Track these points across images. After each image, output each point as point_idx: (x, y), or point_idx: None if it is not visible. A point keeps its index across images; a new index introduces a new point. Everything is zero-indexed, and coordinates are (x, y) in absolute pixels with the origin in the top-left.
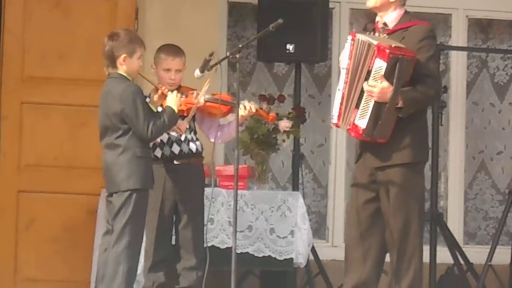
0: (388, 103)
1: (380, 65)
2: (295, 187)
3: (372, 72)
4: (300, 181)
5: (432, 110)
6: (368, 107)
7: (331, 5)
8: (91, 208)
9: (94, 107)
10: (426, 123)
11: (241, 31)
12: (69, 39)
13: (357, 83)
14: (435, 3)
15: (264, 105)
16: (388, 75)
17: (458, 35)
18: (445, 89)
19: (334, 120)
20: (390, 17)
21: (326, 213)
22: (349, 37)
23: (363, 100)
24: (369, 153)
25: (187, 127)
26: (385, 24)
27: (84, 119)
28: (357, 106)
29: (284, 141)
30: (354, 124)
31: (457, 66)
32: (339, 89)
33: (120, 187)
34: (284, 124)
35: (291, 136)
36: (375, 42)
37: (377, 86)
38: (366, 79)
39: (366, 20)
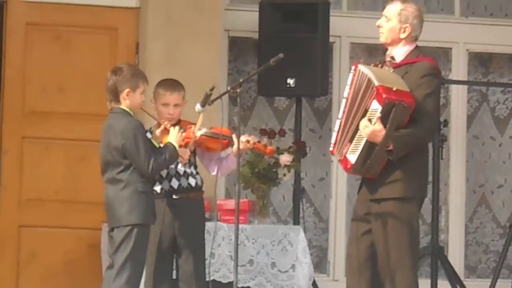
0: (378, 145)
1: (376, 107)
2: (296, 221)
3: (368, 112)
4: (301, 215)
5: (433, 144)
6: (360, 143)
7: (331, 39)
8: (92, 243)
9: (95, 141)
10: (426, 158)
11: (242, 66)
12: (69, 73)
13: (353, 117)
14: (435, 37)
15: (265, 139)
16: (383, 118)
17: (459, 69)
18: (446, 122)
19: (331, 147)
20: (398, 52)
21: (327, 247)
22: (352, 67)
23: (357, 136)
24: (366, 185)
25: (190, 154)
26: (392, 57)
27: (84, 153)
28: (351, 141)
29: (285, 175)
30: (345, 157)
31: (458, 100)
32: (338, 118)
33: (121, 222)
34: (285, 158)
35: (292, 170)
36: (376, 83)
37: (369, 127)
38: (363, 116)
39: (366, 54)
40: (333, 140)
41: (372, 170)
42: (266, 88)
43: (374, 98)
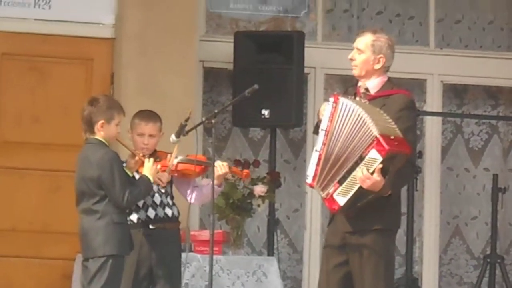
0: (376, 193)
1: (375, 157)
2: (270, 252)
3: (365, 160)
4: (276, 246)
5: None
6: (353, 188)
7: (306, 70)
8: (66, 273)
9: (69, 171)
10: (399, 193)
11: (217, 96)
12: (44, 103)
13: (344, 159)
14: (410, 68)
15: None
16: (382, 169)
17: (433, 100)
18: (420, 154)
19: (309, 180)
20: (372, 83)
21: (301, 278)
22: (331, 99)
23: (349, 180)
24: (340, 217)
25: (169, 179)
26: (366, 89)
27: (59, 183)
28: (340, 182)
29: (259, 206)
30: (332, 197)
31: (432, 131)
32: (316, 150)
33: (96, 252)
34: (259, 189)
35: (266, 201)
36: (376, 132)
37: (372, 179)
38: (356, 162)
39: (341, 85)
40: (311, 172)
41: (356, 209)
42: (241, 118)
43: (373, 148)
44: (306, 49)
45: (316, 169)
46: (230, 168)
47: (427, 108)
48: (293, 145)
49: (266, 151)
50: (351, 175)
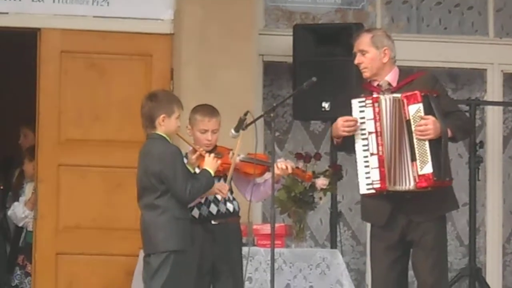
0: (442, 135)
1: (416, 108)
2: (333, 245)
3: (412, 120)
4: (339, 238)
5: (469, 166)
6: (426, 152)
7: None
8: (130, 269)
9: (131, 168)
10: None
11: (277, 90)
12: (104, 100)
13: (398, 140)
14: (470, 58)
15: (301, 163)
16: (428, 113)
17: (494, 90)
18: (482, 144)
19: (377, 185)
20: (390, 77)
21: (365, 270)
22: (368, 101)
23: (417, 148)
24: (402, 211)
25: (228, 188)
26: (389, 83)
27: (121, 180)
28: (413, 159)
29: (321, 198)
30: (420, 175)
31: (493, 121)
32: (372, 154)
33: (158, 248)
34: (321, 182)
35: (328, 194)
36: (398, 95)
37: (429, 122)
38: (408, 129)
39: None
40: (375, 177)
41: (449, 170)
42: (301, 112)
43: (408, 105)
44: None
45: (382, 171)
46: (292, 169)
47: (488, 98)
48: None
49: (327, 143)
50: (416, 145)
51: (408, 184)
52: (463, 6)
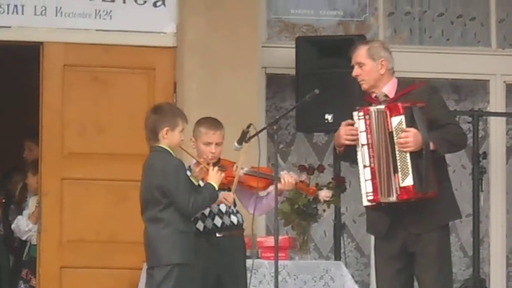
0: (423, 147)
1: (398, 120)
2: (337, 257)
3: (394, 131)
4: (343, 250)
5: (473, 176)
6: (407, 164)
7: None
8: (133, 283)
9: (135, 181)
10: (451, 186)
11: (280, 102)
12: (108, 113)
13: (385, 152)
14: (472, 69)
15: (304, 176)
16: (410, 126)
17: (497, 100)
18: (485, 155)
19: (370, 197)
20: (387, 88)
21: (369, 282)
22: (360, 114)
23: (399, 160)
24: (401, 223)
25: (234, 197)
26: (386, 95)
27: (124, 193)
28: (395, 171)
29: (324, 211)
30: (401, 187)
31: (496, 132)
32: (365, 166)
33: (161, 261)
34: (324, 194)
35: (332, 206)
36: (382, 106)
37: (409, 134)
38: (391, 141)
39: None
40: (369, 189)
41: (430, 182)
42: (305, 124)
43: (391, 116)
44: None
45: (374, 183)
46: (296, 183)
47: (491, 108)
48: None
49: (330, 155)
50: (398, 156)
51: (392, 196)
52: (465, 17)
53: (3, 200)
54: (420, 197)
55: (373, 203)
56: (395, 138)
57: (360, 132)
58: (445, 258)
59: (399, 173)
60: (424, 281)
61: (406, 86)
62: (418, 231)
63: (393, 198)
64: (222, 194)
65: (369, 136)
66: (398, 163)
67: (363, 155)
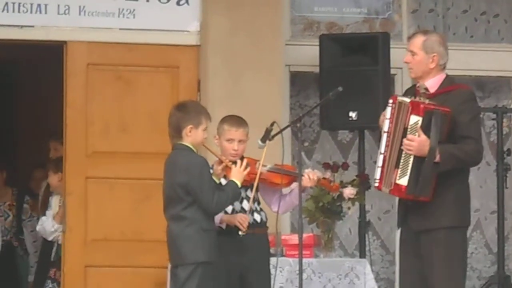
0: (427, 156)
1: (415, 120)
2: (362, 254)
3: (408, 129)
4: (368, 248)
5: (497, 173)
6: (408, 164)
7: (392, 71)
8: (158, 281)
9: (159, 180)
10: (468, 188)
11: (304, 100)
12: (131, 112)
13: (397, 145)
14: (496, 66)
15: (328, 173)
16: (425, 129)
17: None
18: (509, 151)
19: (376, 183)
20: (431, 82)
21: (394, 279)
22: (390, 101)
23: (402, 158)
24: (412, 216)
25: (250, 219)
26: (426, 89)
27: (149, 192)
28: (397, 166)
29: (349, 208)
30: (395, 184)
31: None
32: (380, 153)
33: (185, 259)
34: (349, 192)
35: (357, 203)
36: (408, 100)
37: (415, 139)
38: (403, 136)
39: None
40: (377, 176)
41: (425, 188)
42: (329, 122)
43: (411, 114)
44: (392, 50)
45: (382, 171)
46: (319, 180)
47: None
48: None
49: (355, 153)
50: (403, 154)
51: (387, 188)
52: (489, 14)
53: (13, 214)
54: (410, 199)
55: (378, 190)
56: (407, 134)
57: (386, 118)
58: (453, 259)
59: (399, 170)
60: (432, 283)
61: (451, 84)
62: (416, 228)
63: (387, 190)
64: (238, 216)
65: (390, 125)
66: (401, 160)
67: (382, 142)
